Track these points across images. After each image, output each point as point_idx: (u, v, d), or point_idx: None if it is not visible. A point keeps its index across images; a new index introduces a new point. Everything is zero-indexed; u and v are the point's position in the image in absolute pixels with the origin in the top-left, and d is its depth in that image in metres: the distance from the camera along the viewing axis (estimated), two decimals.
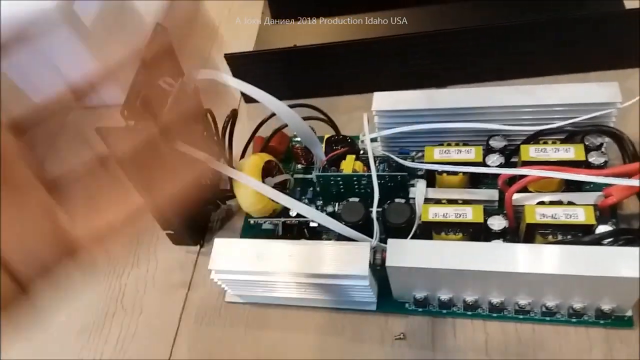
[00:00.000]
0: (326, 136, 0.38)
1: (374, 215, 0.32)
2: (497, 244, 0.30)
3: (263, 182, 0.34)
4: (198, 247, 0.39)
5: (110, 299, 0.38)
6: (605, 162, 0.32)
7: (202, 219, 0.39)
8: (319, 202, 0.37)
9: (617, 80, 0.33)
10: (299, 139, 0.39)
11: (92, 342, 0.36)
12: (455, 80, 0.41)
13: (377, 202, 0.33)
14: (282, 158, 0.39)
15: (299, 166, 0.39)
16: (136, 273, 0.39)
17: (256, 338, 0.34)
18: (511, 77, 0.40)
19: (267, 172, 0.36)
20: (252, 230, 0.38)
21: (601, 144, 0.33)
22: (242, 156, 0.38)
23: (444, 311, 0.31)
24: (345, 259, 0.30)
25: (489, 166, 0.33)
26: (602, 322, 0.30)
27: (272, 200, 0.35)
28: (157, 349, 0.35)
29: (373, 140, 0.36)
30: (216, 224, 0.40)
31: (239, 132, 0.43)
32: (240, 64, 0.41)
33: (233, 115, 0.36)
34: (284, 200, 0.30)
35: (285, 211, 0.36)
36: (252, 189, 0.34)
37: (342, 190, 0.35)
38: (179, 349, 0.34)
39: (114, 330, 0.36)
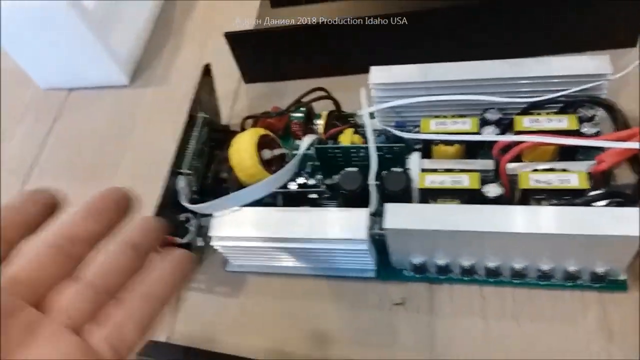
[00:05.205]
0: (324, 113, 0.39)
1: (371, 182, 0.33)
2: (493, 207, 0.30)
3: (259, 154, 0.35)
4: None
5: None
6: (598, 132, 0.32)
7: None
8: (319, 176, 0.38)
9: (612, 58, 0.33)
10: (297, 115, 0.39)
11: None
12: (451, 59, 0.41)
13: (376, 173, 0.33)
14: (281, 135, 0.40)
15: (297, 142, 0.40)
16: None
17: (257, 306, 0.34)
18: (506, 56, 0.41)
19: (264, 146, 0.36)
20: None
21: (593, 116, 0.33)
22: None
23: (441, 277, 0.32)
24: (345, 223, 0.31)
25: None
26: (596, 285, 0.30)
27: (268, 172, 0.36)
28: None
29: (371, 114, 0.36)
30: None
31: (240, 111, 0.43)
32: (240, 42, 0.42)
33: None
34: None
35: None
36: (248, 162, 0.34)
37: (340, 162, 0.36)
38: (178, 323, 0.35)
39: None
